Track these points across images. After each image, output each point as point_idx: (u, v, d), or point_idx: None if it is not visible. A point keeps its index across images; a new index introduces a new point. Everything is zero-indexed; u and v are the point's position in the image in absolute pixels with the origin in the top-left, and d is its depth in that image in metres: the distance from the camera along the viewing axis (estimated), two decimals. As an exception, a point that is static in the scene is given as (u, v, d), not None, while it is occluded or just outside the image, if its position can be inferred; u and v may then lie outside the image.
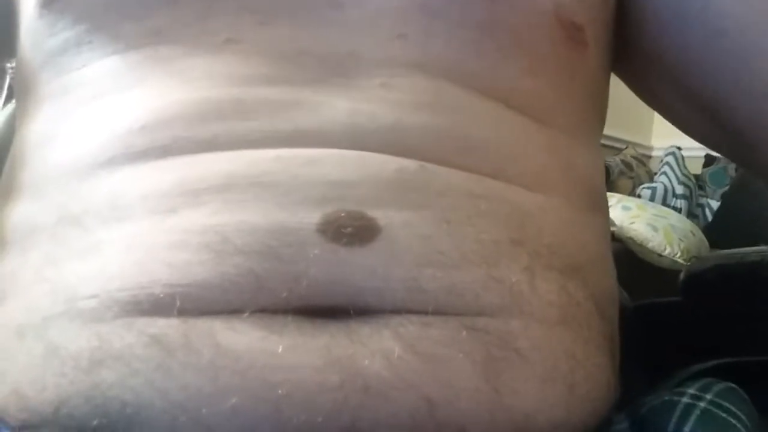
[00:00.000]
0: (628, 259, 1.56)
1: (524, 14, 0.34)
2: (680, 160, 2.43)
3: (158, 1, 0.33)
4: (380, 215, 0.27)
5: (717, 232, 1.98)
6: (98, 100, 0.32)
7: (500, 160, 0.31)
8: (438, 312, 0.26)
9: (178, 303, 0.25)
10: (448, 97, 0.32)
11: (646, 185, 2.40)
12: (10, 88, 0.62)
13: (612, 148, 2.64)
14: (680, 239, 1.64)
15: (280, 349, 0.24)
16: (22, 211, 0.31)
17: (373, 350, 0.24)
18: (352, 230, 0.26)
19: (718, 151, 0.45)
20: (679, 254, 1.59)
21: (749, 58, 0.36)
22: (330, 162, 0.28)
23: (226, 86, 0.31)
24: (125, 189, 0.28)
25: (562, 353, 0.27)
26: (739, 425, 0.27)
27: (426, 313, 0.25)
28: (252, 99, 0.30)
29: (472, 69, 0.33)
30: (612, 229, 1.56)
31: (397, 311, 0.25)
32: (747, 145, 0.38)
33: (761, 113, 0.36)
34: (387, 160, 0.28)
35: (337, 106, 0.30)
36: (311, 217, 0.26)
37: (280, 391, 0.23)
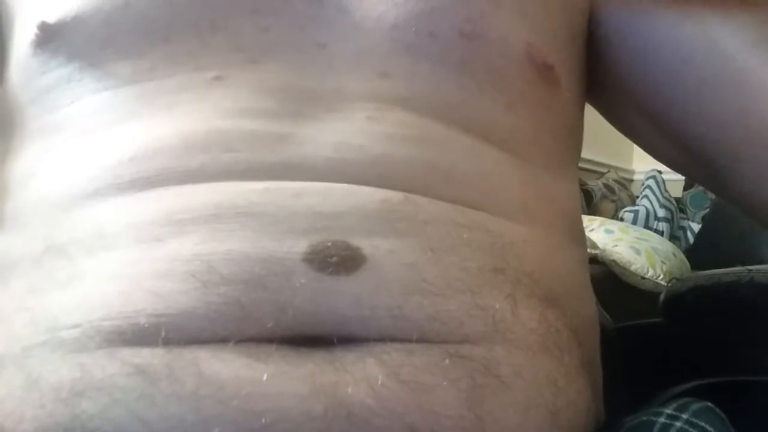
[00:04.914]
0: (611, 281, 1.57)
1: (499, 55, 0.35)
2: (661, 184, 2.45)
3: (152, 40, 0.34)
4: (365, 244, 0.27)
5: (698, 254, 2.00)
6: (87, 135, 0.33)
7: (482, 193, 0.32)
8: (422, 340, 0.26)
9: (163, 333, 0.25)
10: (432, 132, 0.32)
11: (628, 208, 2.43)
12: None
13: (594, 172, 2.67)
14: (662, 261, 1.66)
15: (264, 377, 0.24)
16: (7, 243, 0.31)
17: (357, 378, 0.24)
18: (337, 259, 0.26)
19: (691, 178, 0.46)
20: (661, 276, 1.60)
21: (714, 87, 0.38)
22: (316, 194, 0.28)
23: (214, 119, 0.31)
24: (112, 219, 0.29)
25: (544, 380, 0.28)
26: None
27: (410, 341, 0.26)
28: (239, 131, 0.31)
29: (454, 106, 0.34)
30: (595, 252, 1.57)
31: (381, 339, 0.26)
32: (716, 172, 0.39)
33: (726, 141, 0.38)
34: (372, 192, 0.29)
35: (323, 139, 0.31)
36: (298, 247, 0.27)
37: (263, 420, 0.23)
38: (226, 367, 0.24)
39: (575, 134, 0.42)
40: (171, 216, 0.28)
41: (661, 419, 0.29)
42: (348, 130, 0.31)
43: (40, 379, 0.25)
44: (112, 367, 0.24)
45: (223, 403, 0.23)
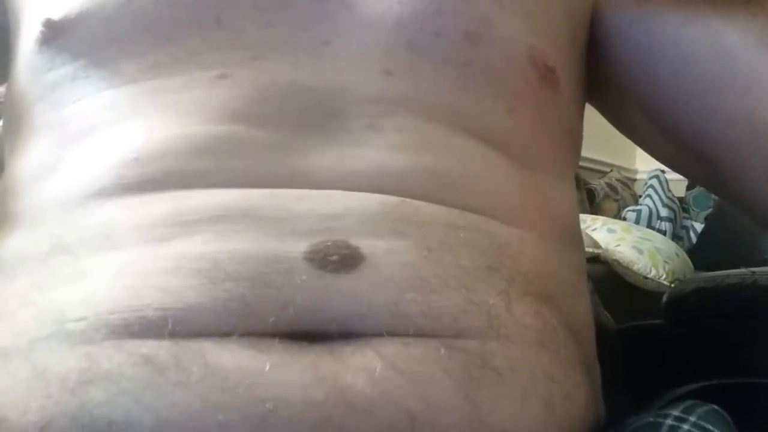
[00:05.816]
0: (614, 281, 1.57)
1: (502, 56, 0.36)
2: (664, 183, 2.45)
3: (156, 38, 0.34)
4: (364, 244, 0.28)
5: (701, 254, 2.00)
6: (92, 133, 0.33)
7: (480, 196, 0.32)
8: (418, 334, 0.26)
9: (169, 325, 0.25)
10: (433, 136, 0.33)
11: (631, 208, 2.43)
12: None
13: (597, 171, 2.67)
14: (665, 261, 1.66)
15: (267, 367, 0.24)
16: (13, 241, 0.32)
17: (356, 368, 0.25)
18: (337, 258, 0.27)
19: (691, 179, 0.46)
20: (664, 276, 1.60)
21: (717, 87, 0.38)
22: (318, 198, 0.29)
23: (218, 122, 0.32)
24: (117, 219, 0.29)
25: (539, 373, 0.28)
26: None
27: (407, 335, 0.26)
28: (243, 137, 0.31)
29: (455, 107, 0.34)
30: (597, 251, 1.57)
31: (379, 334, 0.26)
32: (718, 173, 0.39)
33: (729, 141, 0.38)
34: (371, 196, 0.30)
35: (326, 149, 0.31)
36: (299, 246, 0.27)
37: (267, 406, 0.24)
38: (231, 358, 0.25)
39: (574, 136, 0.42)
40: (178, 217, 0.28)
41: (669, 421, 0.29)
42: (349, 140, 0.32)
43: (47, 370, 0.25)
44: (119, 357, 0.25)
45: (228, 392, 0.24)
